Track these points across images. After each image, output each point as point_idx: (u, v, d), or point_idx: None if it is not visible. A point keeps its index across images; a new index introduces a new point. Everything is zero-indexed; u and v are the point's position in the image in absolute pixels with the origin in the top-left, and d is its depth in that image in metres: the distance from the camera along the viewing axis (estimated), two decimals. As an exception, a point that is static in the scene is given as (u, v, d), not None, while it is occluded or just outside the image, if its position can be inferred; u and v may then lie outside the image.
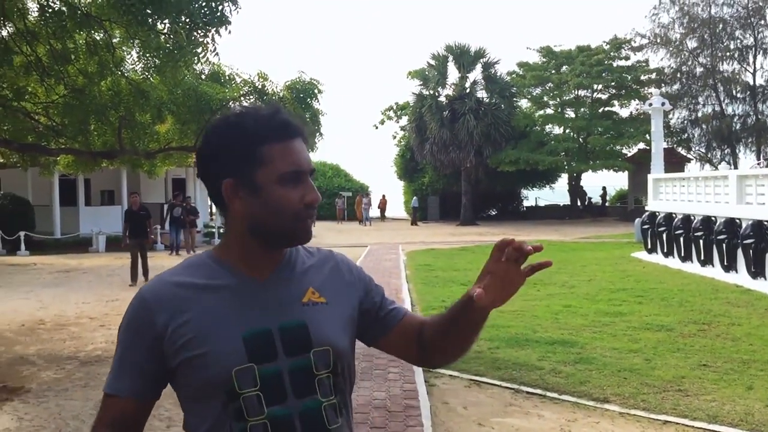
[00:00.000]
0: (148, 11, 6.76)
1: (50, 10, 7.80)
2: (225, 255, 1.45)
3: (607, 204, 40.61)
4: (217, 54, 7.52)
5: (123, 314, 1.45)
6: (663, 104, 20.46)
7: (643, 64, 36.76)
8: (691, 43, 36.68)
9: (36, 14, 8.41)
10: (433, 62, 36.80)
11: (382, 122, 42.85)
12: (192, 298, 1.39)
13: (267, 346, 1.37)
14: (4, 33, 8.63)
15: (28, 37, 8.58)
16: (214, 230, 25.91)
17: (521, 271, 1.37)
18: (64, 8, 7.98)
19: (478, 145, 34.38)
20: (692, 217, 14.70)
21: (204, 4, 7.04)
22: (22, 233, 21.26)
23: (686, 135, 37.85)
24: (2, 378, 6.84)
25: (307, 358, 1.39)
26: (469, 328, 1.50)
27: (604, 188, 40.78)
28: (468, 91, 36.16)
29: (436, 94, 36.49)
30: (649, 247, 17.01)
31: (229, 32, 7.43)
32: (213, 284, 1.41)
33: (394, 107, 42.15)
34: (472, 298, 1.38)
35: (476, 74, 36.63)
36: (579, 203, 39.76)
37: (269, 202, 1.38)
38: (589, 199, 41.24)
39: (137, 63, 10.11)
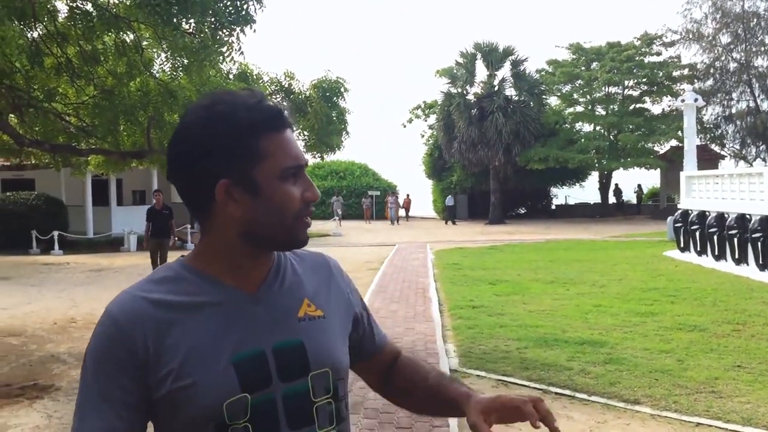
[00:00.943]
0: (174, 11, 6.80)
1: (79, 12, 7.88)
2: (206, 266, 1.25)
3: (642, 203, 39.93)
4: (242, 53, 7.54)
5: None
6: (696, 100, 20.10)
7: (675, 60, 36.23)
8: (725, 38, 36.07)
9: (65, 16, 8.51)
10: (461, 60, 36.66)
11: (410, 121, 42.80)
12: (173, 319, 1.18)
13: (260, 372, 1.20)
14: (35, 35, 8.74)
15: (58, 39, 8.68)
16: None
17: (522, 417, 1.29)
18: (92, 9, 8.07)
19: (506, 144, 34.16)
20: (726, 215, 14.41)
21: (229, 3, 7.06)
22: (55, 233, 21.59)
23: (720, 131, 37.23)
24: (33, 376, 6.93)
25: (304, 383, 1.23)
26: (442, 413, 1.47)
27: (639, 186, 40.17)
28: (496, 89, 35.95)
29: (465, 92, 36.36)
30: (682, 245, 16.73)
31: (254, 31, 7.45)
32: (196, 301, 1.21)
33: (422, 106, 42.05)
34: (464, 407, 1.33)
35: (505, 72, 36.48)
36: (615, 201, 39.31)
37: (271, 202, 1.20)
38: (621, 197, 40.78)
39: (165, 63, 10.21)
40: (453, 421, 5.17)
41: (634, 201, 40.56)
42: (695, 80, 35.22)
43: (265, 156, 1.19)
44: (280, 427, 1.20)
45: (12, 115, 10.81)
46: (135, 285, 1.24)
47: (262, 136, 1.20)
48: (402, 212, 40.68)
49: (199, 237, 1.29)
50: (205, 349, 1.18)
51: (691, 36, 36.42)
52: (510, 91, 36.30)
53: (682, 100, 20.33)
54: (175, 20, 7.07)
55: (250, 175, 1.19)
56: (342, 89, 11.63)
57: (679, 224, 16.97)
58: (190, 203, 1.25)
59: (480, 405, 1.31)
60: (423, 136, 42.90)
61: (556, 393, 5.93)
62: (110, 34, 8.86)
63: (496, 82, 36.28)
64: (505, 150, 34.27)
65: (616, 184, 39.73)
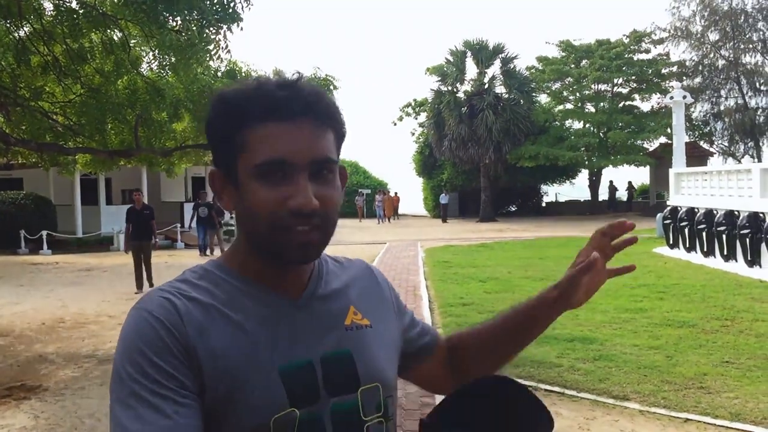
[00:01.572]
0: (160, 8, 6.76)
1: (65, 10, 7.83)
2: (240, 267, 1.12)
3: (633, 199, 39.98)
4: (229, 51, 7.50)
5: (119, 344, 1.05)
6: (684, 97, 20.19)
7: (664, 57, 36.36)
8: (713, 36, 36.25)
9: (52, 14, 8.45)
10: (451, 58, 36.68)
11: (401, 119, 42.75)
12: (215, 322, 1.05)
13: (308, 384, 1.07)
14: (21, 33, 8.67)
15: (45, 37, 8.62)
16: (233, 228, 25.97)
17: (606, 269, 1.29)
18: (78, 8, 8.01)
19: (497, 141, 34.20)
20: (715, 212, 14.48)
21: (216, 1, 7.02)
22: (44, 232, 21.49)
23: (708, 128, 37.41)
24: (21, 376, 6.88)
25: (353, 399, 1.10)
26: (535, 332, 1.33)
27: (630, 183, 40.29)
28: (486, 86, 35.98)
29: (455, 90, 36.39)
30: (671, 242, 16.79)
31: (241, 29, 7.42)
32: (237, 306, 1.07)
33: (413, 104, 42.04)
34: (557, 298, 1.26)
35: (495, 69, 36.51)
36: (609, 198, 39.43)
37: (246, 203, 1.06)
38: (615, 189, 40.93)
39: (153, 62, 10.15)
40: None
41: (625, 198, 40.68)
42: (684, 77, 35.33)
43: (242, 148, 1.05)
44: None
45: (-2, 114, 10.73)
46: (164, 286, 1.09)
47: (249, 125, 1.05)
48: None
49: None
50: (250, 358, 1.04)
51: (679, 33, 36.58)
52: (500, 89, 36.37)
53: (671, 98, 20.41)
54: (161, 18, 7.03)
55: (234, 169, 1.07)
56: (332, 87, 11.58)
57: (668, 221, 17.04)
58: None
59: (566, 273, 1.26)
60: (413, 134, 42.94)
61: (546, 390, 5.93)
62: (97, 32, 8.80)
63: (486, 80, 36.32)
64: (496, 148, 34.31)
65: (611, 181, 39.84)
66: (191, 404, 0.99)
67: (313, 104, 1.06)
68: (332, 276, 1.20)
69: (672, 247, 16.71)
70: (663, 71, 35.72)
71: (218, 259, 1.15)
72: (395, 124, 43.59)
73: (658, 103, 35.20)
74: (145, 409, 0.96)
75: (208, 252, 19.85)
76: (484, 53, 35.97)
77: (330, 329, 1.13)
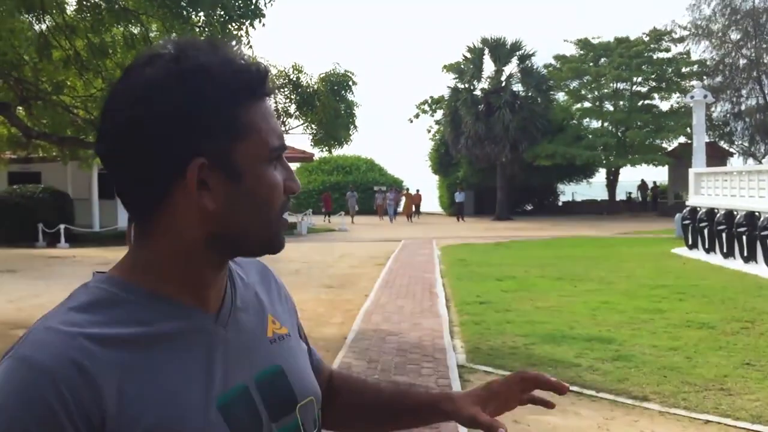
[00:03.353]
0: (183, 4, 6.79)
1: (88, 4, 7.88)
2: (153, 283, 0.91)
3: (656, 199, 39.33)
4: (251, 47, 7.52)
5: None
6: (705, 97, 20.01)
7: (685, 56, 36.03)
8: (734, 35, 35.83)
9: (74, 8, 8.50)
10: (468, 55, 36.55)
11: (417, 116, 42.65)
12: (131, 360, 0.84)
13: (249, 414, 0.93)
14: (44, 27, 8.73)
15: (67, 32, 8.67)
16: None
17: (516, 404, 1.21)
18: (101, 2, 8.06)
19: (513, 139, 34.06)
20: (735, 212, 14.33)
21: (238, -4, 7.05)
22: (62, 226, 21.65)
23: (729, 128, 37.03)
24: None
25: (294, 420, 0.98)
26: (414, 424, 1.22)
27: (654, 183, 39.85)
28: (504, 84, 35.83)
29: (472, 87, 36.26)
30: (690, 243, 16.66)
31: (263, 25, 7.44)
32: (154, 332, 0.88)
33: (429, 101, 41.92)
34: (443, 412, 1.15)
35: (512, 67, 36.31)
36: (640, 198, 39.12)
37: (254, 192, 0.90)
38: (629, 194, 40.61)
39: (173, 56, 10.18)
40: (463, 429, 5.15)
41: (642, 198, 40.28)
42: (704, 77, 34.97)
43: (248, 131, 0.89)
44: None
45: (20, 108, 10.82)
46: (53, 317, 0.86)
47: (244, 104, 0.89)
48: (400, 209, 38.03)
49: (134, 243, 0.93)
50: (182, 397, 0.87)
51: (700, 32, 36.21)
52: (517, 87, 36.20)
53: (691, 97, 20.23)
54: (185, 13, 7.06)
55: (229, 156, 0.88)
56: (350, 82, 11.59)
57: (687, 221, 16.90)
58: (136, 194, 0.90)
59: (470, 398, 1.15)
60: (429, 131, 42.83)
61: (564, 389, 5.90)
62: (119, 26, 8.85)
63: (503, 78, 36.16)
64: (512, 146, 34.17)
65: (642, 180, 39.46)
66: None
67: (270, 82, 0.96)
68: (240, 282, 1.03)
69: (691, 247, 16.57)
70: (683, 70, 35.41)
71: (114, 275, 0.92)
72: (411, 121, 43.54)
73: (678, 103, 34.93)
74: None
75: None
76: (501, 51, 35.82)
77: (255, 345, 0.98)
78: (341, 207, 35.13)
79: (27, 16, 8.18)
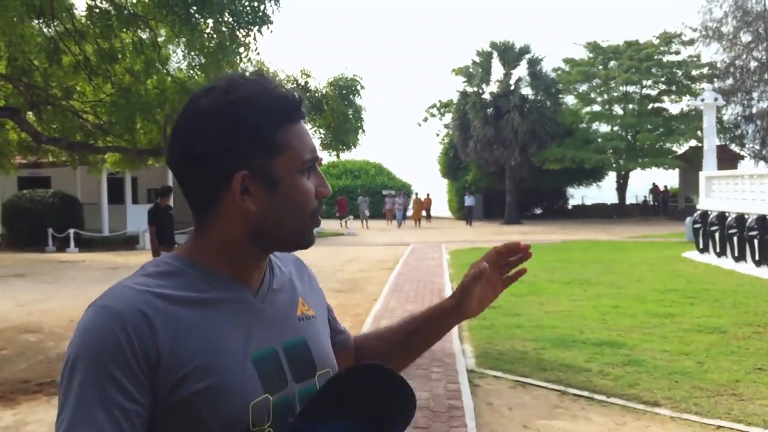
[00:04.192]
0: (192, 10, 6.80)
1: (97, 10, 7.91)
2: (208, 261, 1.15)
3: (666, 203, 39.04)
4: (258, 53, 7.52)
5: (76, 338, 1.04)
6: (715, 100, 19.89)
7: (695, 59, 35.87)
8: (745, 37, 35.69)
9: (83, 14, 8.54)
10: (477, 59, 36.57)
11: (426, 120, 42.70)
12: (186, 315, 1.08)
13: (277, 371, 1.14)
14: (53, 32, 8.77)
15: (76, 37, 8.71)
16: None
17: (500, 282, 1.37)
18: (110, 8, 8.09)
19: (522, 143, 34.00)
20: (746, 216, 14.23)
21: (247, 3, 7.04)
22: (71, 230, 21.76)
23: (740, 131, 36.84)
24: (51, 373, 6.95)
25: (312, 384, 1.19)
26: (432, 338, 1.42)
27: (665, 186, 39.65)
28: (512, 88, 35.77)
29: (480, 91, 36.22)
30: (701, 246, 16.55)
31: (271, 31, 7.45)
32: (206, 298, 1.11)
33: (438, 105, 41.95)
34: (453, 307, 1.35)
35: (521, 71, 36.28)
36: (652, 202, 38.92)
37: (289, 198, 1.13)
38: (645, 198, 40.42)
39: (182, 61, 10.22)
40: (471, 421, 5.13)
41: (657, 202, 40.02)
42: (715, 79, 34.82)
43: (284, 148, 1.13)
44: None
45: (30, 113, 10.88)
46: (129, 279, 1.11)
47: (282, 126, 1.13)
48: (408, 213, 37.41)
49: (194, 232, 1.18)
50: (225, 348, 1.09)
51: (710, 34, 36.06)
52: (526, 90, 36.15)
53: (702, 100, 20.12)
54: (193, 20, 7.08)
55: (268, 169, 1.12)
56: (358, 87, 11.58)
57: (698, 225, 16.80)
58: (195, 195, 1.15)
59: (460, 285, 1.33)
60: (438, 135, 42.85)
61: (575, 394, 5.86)
62: (128, 32, 8.88)
63: (512, 81, 36.11)
64: (521, 149, 34.11)
65: (654, 184, 39.27)
66: (132, 418, 1.01)
67: (304, 106, 1.19)
68: (278, 270, 1.27)
69: (702, 251, 16.46)
70: (693, 73, 35.29)
71: (179, 254, 1.16)
72: (420, 125, 43.59)
73: (688, 106, 34.78)
74: (80, 426, 0.98)
75: None
76: (510, 54, 35.79)
77: (286, 320, 1.21)
78: (352, 212, 35.07)
79: (37, 21, 8.22)
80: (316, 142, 12.61)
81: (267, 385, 1.11)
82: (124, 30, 8.68)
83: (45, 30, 8.72)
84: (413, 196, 37.23)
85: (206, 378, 1.05)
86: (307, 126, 1.21)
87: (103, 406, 0.99)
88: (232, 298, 1.14)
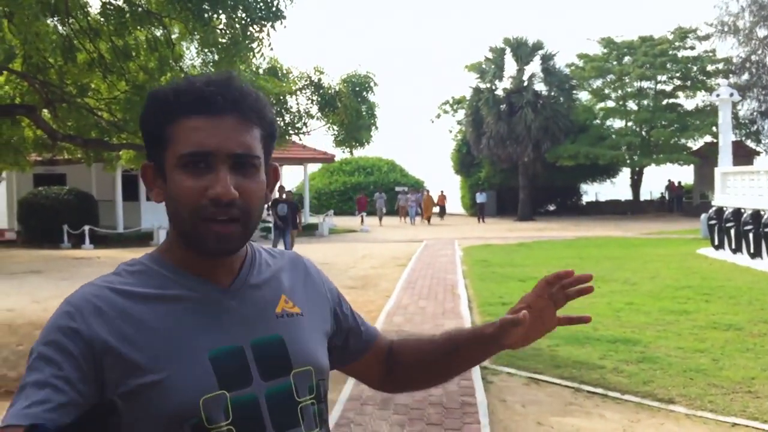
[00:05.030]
0: (205, 6, 6.81)
1: (111, 7, 7.94)
2: (173, 258, 1.17)
3: (681, 199, 38.67)
4: (271, 48, 7.52)
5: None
6: (731, 95, 19.69)
7: (710, 54, 35.54)
8: (762, 32, 35.26)
9: (98, 11, 8.57)
10: (490, 55, 36.41)
11: (439, 116, 42.59)
12: (141, 310, 1.10)
13: (239, 368, 1.12)
14: (68, 30, 8.82)
15: (91, 35, 8.74)
16: (270, 225, 26.04)
17: (555, 317, 1.31)
18: (124, 5, 8.11)
19: (536, 139, 33.87)
20: (762, 212, 14.11)
21: (259, -2, 7.05)
22: (86, 227, 21.90)
23: (756, 127, 36.45)
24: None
25: (286, 382, 1.15)
26: (470, 362, 1.41)
27: (679, 183, 39.33)
28: (526, 84, 35.63)
29: (493, 87, 36.11)
30: (716, 243, 16.43)
31: (285, 27, 7.45)
32: (168, 294, 1.13)
33: (451, 101, 41.81)
34: (493, 335, 1.30)
35: (534, 67, 36.09)
36: (668, 199, 38.64)
37: (171, 194, 1.12)
38: (661, 194, 40.11)
39: (196, 58, 10.23)
40: (484, 418, 5.12)
41: (672, 198, 39.70)
42: (730, 75, 34.49)
43: (169, 142, 1.11)
44: (266, 430, 1.12)
45: (45, 110, 10.94)
46: (96, 280, 1.15)
47: (177, 120, 1.11)
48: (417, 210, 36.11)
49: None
50: (179, 342, 1.09)
51: (726, 29, 35.70)
52: (539, 86, 35.99)
53: (717, 95, 19.94)
54: (206, 16, 7.08)
55: (160, 162, 1.13)
56: (371, 83, 11.56)
57: (713, 222, 16.68)
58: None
59: (506, 317, 1.28)
60: (451, 131, 42.74)
61: (588, 391, 5.84)
62: (141, 29, 8.91)
63: (525, 77, 35.95)
64: (534, 146, 33.97)
65: (669, 180, 38.97)
66: (72, 407, 1.00)
67: (239, 101, 1.12)
68: (265, 266, 1.25)
69: (717, 248, 16.34)
70: (709, 68, 34.96)
71: (153, 252, 1.19)
72: (433, 122, 43.53)
73: (704, 101, 34.50)
74: (31, 397, 1.00)
75: None
76: (523, 50, 35.63)
77: (261, 316, 1.18)
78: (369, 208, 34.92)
79: (52, 19, 8.26)
80: (329, 139, 12.58)
81: (224, 382, 1.09)
82: (138, 27, 8.70)
83: (60, 28, 8.76)
84: (424, 193, 36.81)
85: (154, 371, 1.06)
86: (231, 121, 1.11)
87: (38, 386, 1.01)
88: (195, 295, 1.14)
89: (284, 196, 16.83)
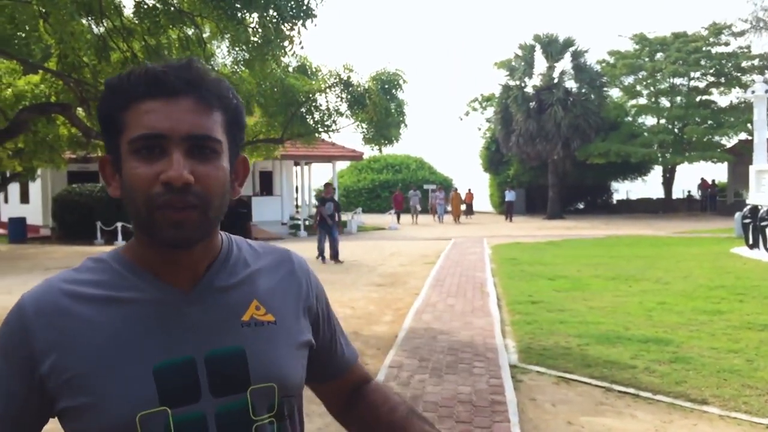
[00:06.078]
0: (238, 5, 6.87)
1: (145, 7, 8.05)
2: (133, 256, 1.07)
3: (714, 197, 38.08)
4: (302, 47, 7.58)
5: None
6: (766, 92, 19.35)
7: (745, 50, 34.90)
8: (798, 27, 34.55)
9: (131, 11, 8.70)
10: (520, 52, 36.17)
11: (467, 114, 42.47)
12: (86, 315, 1.02)
13: (186, 383, 1.01)
14: (102, 30, 8.96)
15: (124, 34, 8.87)
16: (300, 222, 26.23)
17: None
18: (158, 4, 8.22)
19: (565, 137, 33.57)
20: (799, 211, 13.84)
21: (290, -3, 7.10)
22: (119, 224, 22.21)
23: (791, 124, 35.74)
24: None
25: (242, 399, 1.04)
26: None
27: (712, 181, 38.72)
28: (556, 81, 35.34)
29: (523, 84, 35.88)
30: (751, 242, 16.14)
31: (315, 25, 7.50)
32: (119, 297, 1.04)
33: (480, 98, 41.68)
34: None
35: (564, 64, 35.78)
36: (699, 197, 38.11)
37: (125, 182, 1.02)
38: (689, 192, 39.55)
39: (227, 57, 10.34)
40: (514, 417, 5.10)
41: (705, 197, 39.09)
42: (766, 71, 33.86)
43: (123, 128, 1.02)
44: None
45: (80, 109, 11.12)
46: (63, 272, 1.08)
47: (126, 106, 1.02)
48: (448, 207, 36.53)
49: None
50: (120, 352, 1.00)
51: (761, 25, 35.03)
52: (570, 84, 35.65)
53: (752, 92, 19.60)
54: (239, 15, 7.16)
55: (114, 151, 1.04)
56: (400, 81, 11.59)
57: (747, 220, 16.40)
58: None
59: None
60: (480, 129, 42.59)
61: (620, 391, 5.78)
62: (174, 28, 9.02)
63: (555, 75, 35.66)
64: (564, 144, 33.69)
65: (702, 178, 38.37)
66: (20, 406, 1.02)
67: (196, 82, 1.03)
68: (241, 265, 1.13)
69: (752, 247, 16.06)
70: (743, 64, 34.36)
71: (119, 247, 1.11)
72: (462, 119, 43.43)
73: (738, 98, 33.91)
74: None
75: (330, 257, 15.98)
76: (553, 47, 35.34)
77: (222, 325, 1.06)
78: (388, 206, 34.81)
79: (87, 19, 8.40)
80: (358, 136, 12.63)
81: (166, 398, 1.00)
82: (171, 27, 8.81)
83: (94, 27, 8.90)
84: (452, 192, 36.64)
85: (92, 382, 0.99)
86: (188, 103, 1.02)
87: None
88: (149, 298, 1.04)
89: (330, 194, 16.19)
